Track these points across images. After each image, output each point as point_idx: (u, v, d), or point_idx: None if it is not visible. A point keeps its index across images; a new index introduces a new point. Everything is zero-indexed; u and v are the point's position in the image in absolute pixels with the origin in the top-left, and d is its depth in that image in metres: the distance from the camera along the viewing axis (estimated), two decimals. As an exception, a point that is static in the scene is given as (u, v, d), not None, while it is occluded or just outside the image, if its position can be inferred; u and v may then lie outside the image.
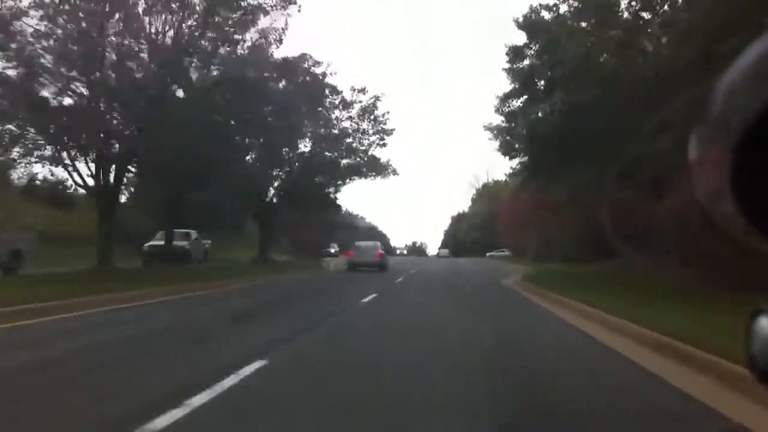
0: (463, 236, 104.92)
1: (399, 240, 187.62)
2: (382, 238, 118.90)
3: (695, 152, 0.61)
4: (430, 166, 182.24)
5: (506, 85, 26.08)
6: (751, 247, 0.61)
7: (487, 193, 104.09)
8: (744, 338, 0.72)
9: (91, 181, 22.38)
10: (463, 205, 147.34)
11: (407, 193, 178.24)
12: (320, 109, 33.54)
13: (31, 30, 18.28)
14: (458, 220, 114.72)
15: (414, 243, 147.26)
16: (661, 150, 13.02)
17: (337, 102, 35.18)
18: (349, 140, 36.87)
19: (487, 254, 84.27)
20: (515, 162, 30.03)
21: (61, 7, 18.06)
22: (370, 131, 36.59)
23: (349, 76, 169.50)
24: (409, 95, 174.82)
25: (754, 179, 0.56)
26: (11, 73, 18.43)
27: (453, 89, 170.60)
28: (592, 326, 9.91)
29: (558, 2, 21.61)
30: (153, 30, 20.57)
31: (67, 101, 20.20)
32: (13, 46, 17.89)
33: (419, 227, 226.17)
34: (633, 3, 19.75)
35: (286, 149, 34.76)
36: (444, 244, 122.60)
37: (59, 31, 18.38)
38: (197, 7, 20.52)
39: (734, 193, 0.57)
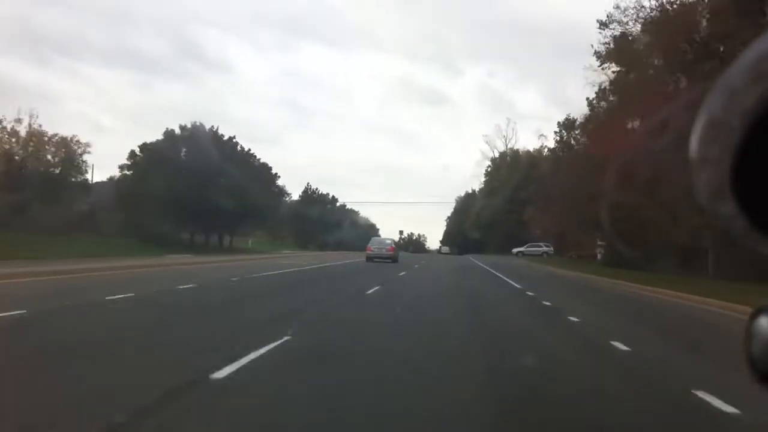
0: (474, 225, 74.97)
1: (393, 231, 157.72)
2: (369, 229, 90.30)
3: (695, 152, 0.60)
4: (427, 136, 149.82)
5: None
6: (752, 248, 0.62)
7: (506, 165, 74.30)
8: (744, 338, 0.71)
9: None
10: (474, 183, 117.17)
11: (401, 173, 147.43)
12: None
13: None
14: (466, 203, 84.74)
15: (409, 235, 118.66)
16: None
17: None
18: None
19: (515, 251, 55.07)
20: None
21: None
22: None
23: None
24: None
25: (754, 179, 0.57)
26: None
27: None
28: None
29: None
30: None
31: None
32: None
33: (418, 214, 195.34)
34: None
35: None
36: (446, 237, 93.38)
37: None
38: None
39: (734, 193, 0.57)
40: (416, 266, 28.26)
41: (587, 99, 45.26)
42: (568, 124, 67.42)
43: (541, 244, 53.40)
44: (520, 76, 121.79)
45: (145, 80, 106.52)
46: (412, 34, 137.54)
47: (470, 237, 77.38)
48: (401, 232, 74.41)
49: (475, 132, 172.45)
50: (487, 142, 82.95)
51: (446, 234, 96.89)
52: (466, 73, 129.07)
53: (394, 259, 33.32)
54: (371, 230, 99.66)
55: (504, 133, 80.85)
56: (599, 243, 44.67)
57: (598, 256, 44.35)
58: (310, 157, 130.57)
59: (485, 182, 79.80)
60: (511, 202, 65.40)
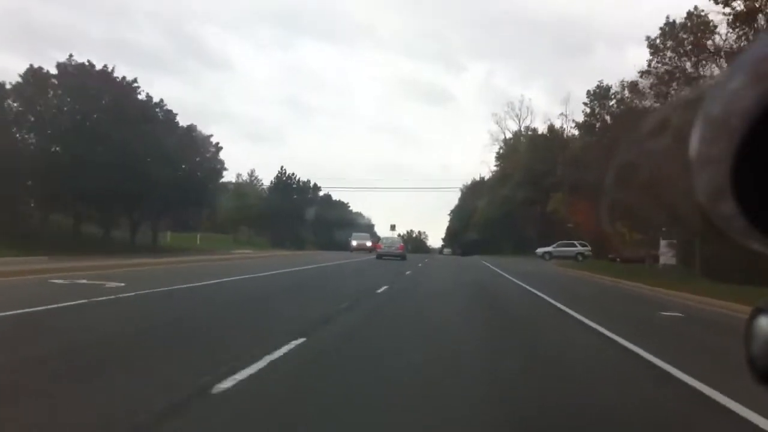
0: (482, 219, 62.33)
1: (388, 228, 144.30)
2: (363, 227, 78.83)
3: (696, 152, 0.61)
4: (430, 135, 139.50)
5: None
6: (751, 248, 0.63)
7: (522, 147, 61.54)
8: (744, 338, 0.70)
9: None
10: (482, 169, 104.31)
11: (403, 171, 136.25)
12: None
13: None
14: (472, 195, 72.09)
15: (408, 232, 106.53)
16: None
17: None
18: None
19: (540, 251, 42.54)
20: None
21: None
22: None
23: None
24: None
25: (754, 179, 0.57)
26: None
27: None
28: None
29: None
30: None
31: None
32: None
33: (418, 211, 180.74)
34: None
35: None
36: (448, 234, 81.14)
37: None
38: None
39: (734, 193, 0.57)
40: (381, 290, 14.05)
41: (647, 39, 32.65)
42: (600, 93, 54.78)
43: (575, 242, 40.83)
44: (523, 73, 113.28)
45: (143, 76, 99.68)
46: (413, 31, 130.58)
47: (478, 234, 64.94)
48: (393, 227, 61.60)
49: (478, 130, 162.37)
50: (497, 122, 70.39)
51: (449, 231, 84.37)
52: (468, 71, 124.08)
53: (402, 257, 34.44)
54: (363, 227, 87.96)
55: (517, 112, 68.25)
56: (666, 242, 32.14)
57: (661, 260, 31.82)
58: (310, 154, 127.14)
59: (496, 169, 67.19)
60: (531, 190, 52.80)
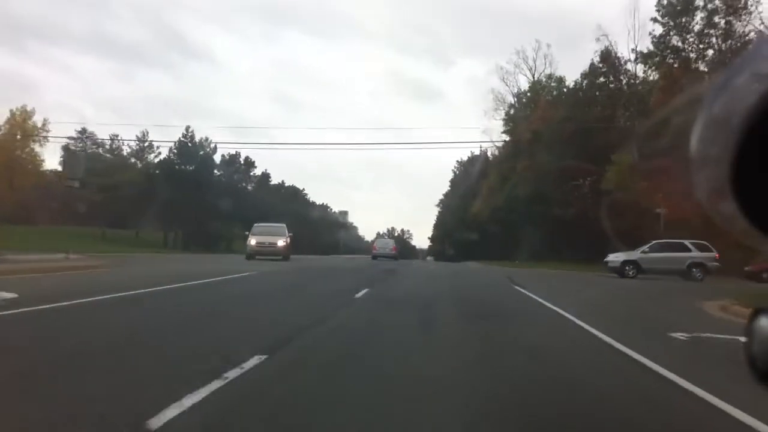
0: (486, 208, 42.89)
1: (371, 227, 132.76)
2: (349, 228, 62.14)
3: (696, 152, 0.61)
4: (420, 131, 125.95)
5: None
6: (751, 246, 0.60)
7: (546, 103, 41.92)
8: (744, 338, 0.71)
9: None
10: (483, 143, 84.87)
11: (391, 167, 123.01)
12: None
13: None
14: (471, 176, 52.58)
15: (390, 230, 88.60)
16: None
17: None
18: None
19: (615, 260, 21.79)
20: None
21: None
22: None
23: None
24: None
25: (754, 179, 0.57)
26: None
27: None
28: None
29: None
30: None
31: None
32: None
33: (405, 209, 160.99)
34: None
35: None
36: (437, 231, 62.34)
37: None
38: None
39: (734, 192, 0.58)
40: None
41: None
42: (678, 6, 35.23)
43: (686, 243, 21.12)
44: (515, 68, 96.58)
45: (127, 70, 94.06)
46: (403, 24, 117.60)
47: (478, 231, 45.73)
48: (344, 213, 43.32)
49: (468, 126, 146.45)
50: (503, 79, 50.84)
51: (437, 228, 64.84)
52: (457, 65, 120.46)
53: (395, 258, 35.25)
54: (348, 227, 69.44)
55: (530, 65, 48.77)
56: None
57: None
58: (296, 150, 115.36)
59: (506, 138, 47.49)
60: (565, 156, 33.11)
